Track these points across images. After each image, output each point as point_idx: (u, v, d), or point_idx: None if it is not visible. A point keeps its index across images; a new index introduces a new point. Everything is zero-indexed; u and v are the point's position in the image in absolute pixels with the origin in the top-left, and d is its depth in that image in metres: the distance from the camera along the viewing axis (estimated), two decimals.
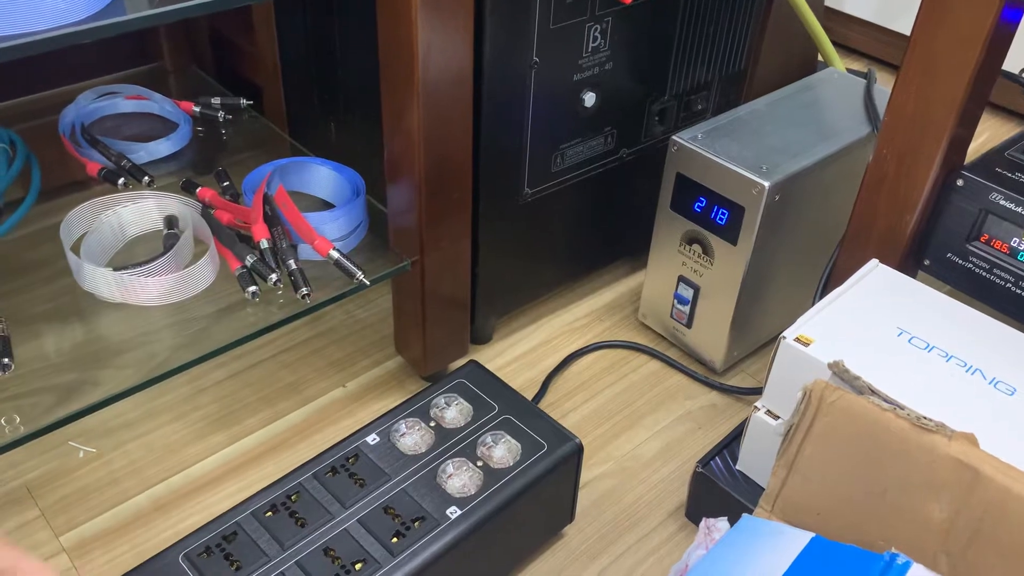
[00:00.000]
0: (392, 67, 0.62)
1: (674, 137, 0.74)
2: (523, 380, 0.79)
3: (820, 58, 1.02)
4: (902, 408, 0.48)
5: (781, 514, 0.53)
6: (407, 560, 0.52)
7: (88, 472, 0.69)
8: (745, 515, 0.50)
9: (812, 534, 0.47)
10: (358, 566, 0.52)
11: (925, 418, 0.47)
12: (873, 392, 0.50)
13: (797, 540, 0.47)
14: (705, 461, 0.65)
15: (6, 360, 0.58)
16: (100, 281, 0.64)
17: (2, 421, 0.56)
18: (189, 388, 0.77)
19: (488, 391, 0.63)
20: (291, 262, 0.66)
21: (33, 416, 0.57)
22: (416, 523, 0.54)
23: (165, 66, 0.93)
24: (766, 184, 0.69)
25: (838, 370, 0.52)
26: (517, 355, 0.82)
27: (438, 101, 0.62)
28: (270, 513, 0.55)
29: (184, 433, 0.73)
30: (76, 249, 0.66)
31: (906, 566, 0.44)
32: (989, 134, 1.20)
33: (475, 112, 0.65)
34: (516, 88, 0.68)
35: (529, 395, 0.76)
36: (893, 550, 0.45)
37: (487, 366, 0.66)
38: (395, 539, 0.53)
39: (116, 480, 0.69)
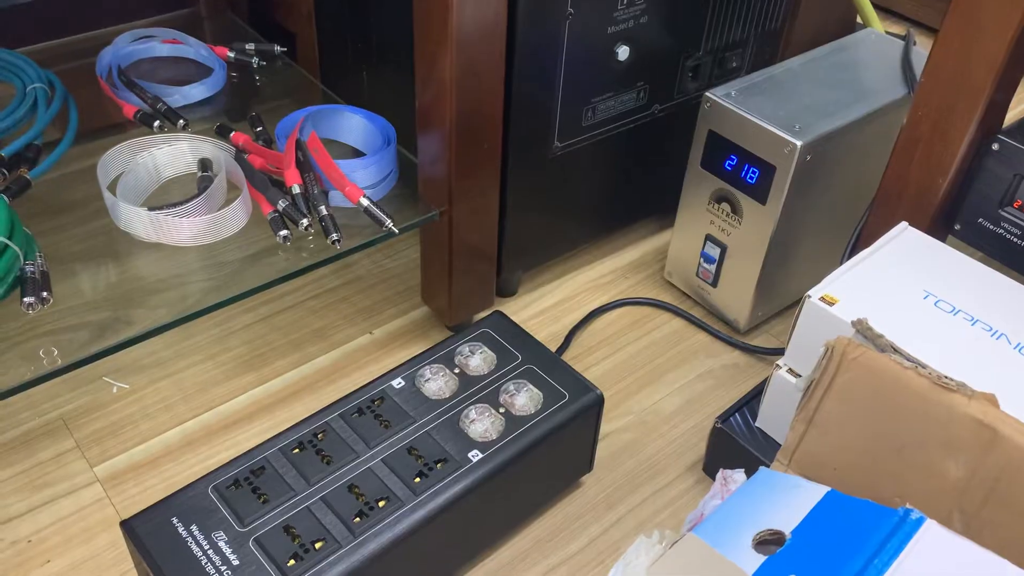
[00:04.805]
0: (426, 15, 0.62)
1: (707, 93, 0.73)
2: (547, 333, 0.80)
3: (859, 19, 1.00)
4: (924, 367, 0.49)
5: (798, 468, 0.53)
6: (429, 499, 0.54)
7: (121, 407, 0.72)
8: (762, 467, 0.51)
9: (828, 488, 0.48)
10: (381, 503, 0.53)
11: (946, 377, 0.48)
12: (895, 350, 0.50)
13: (813, 493, 0.48)
14: (725, 417, 0.66)
15: (45, 294, 0.60)
16: (135, 220, 0.65)
17: (41, 353, 0.58)
18: (219, 330, 0.78)
19: (512, 341, 0.64)
20: (322, 208, 0.66)
21: (70, 350, 0.58)
22: (438, 464, 0.56)
23: (200, 11, 0.94)
24: (798, 143, 0.68)
25: (861, 328, 0.52)
26: (542, 309, 0.83)
27: (471, 51, 0.62)
28: (297, 450, 0.56)
29: (214, 373, 0.75)
30: (112, 189, 0.68)
31: (919, 521, 0.44)
32: None
33: (507, 63, 0.65)
34: (549, 39, 0.68)
35: (552, 348, 0.77)
36: (908, 506, 0.45)
37: (512, 319, 0.66)
38: (417, 479, 0.55)
39: (148, 415, 0.71)
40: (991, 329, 0.55)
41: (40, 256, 0.63)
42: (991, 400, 0.47)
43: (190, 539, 0.51)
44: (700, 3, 0.76)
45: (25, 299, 0.59)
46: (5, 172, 0.69)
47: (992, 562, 0.42)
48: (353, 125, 0.75)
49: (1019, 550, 0.44)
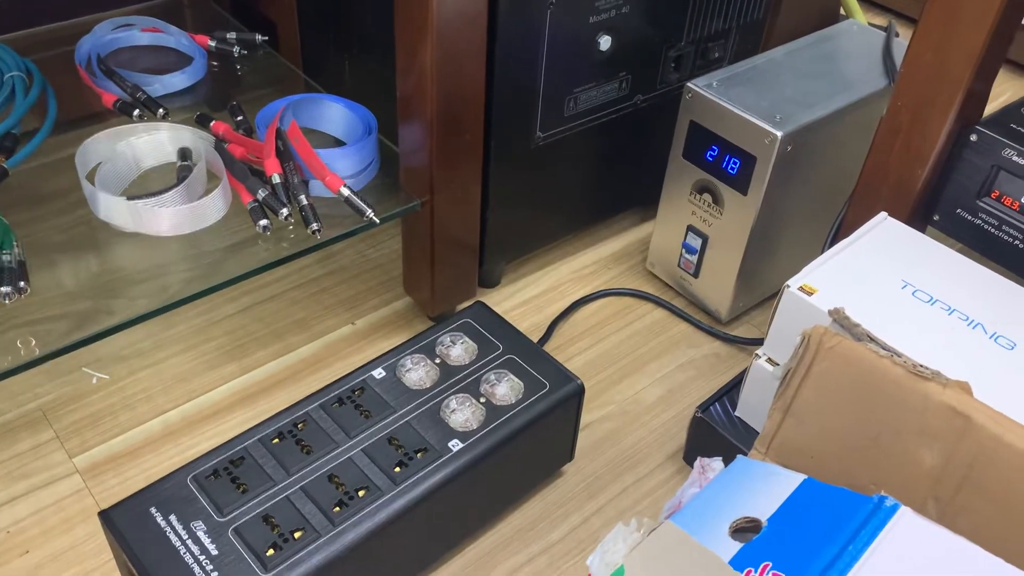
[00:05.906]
0: (406, 3, 0.61)
1: (688, 84, 0.73)
2: (529, 324, 0.80)
3: (842, 10, 1.01)
4: (899, 355, 0.49)
5: (775, 456, 0.54)
6: (409, 489, 0.54)
7: (101, 398, 0.71)
8: (739, 456, 0.51)
9: (804, 476, 0.48)
10: (361, 493, 0.53)
11: (921, 366, 0.48)
12: (872, 339, 0.51)
13: (789, 481, 0.48)
14: (705, 407, 0.66)
15: (22, 284, 0.59)
16: (114, 210, 0.65)
17: (18, 343, 0.58)
18: (200, 321, 0.78)
19: (493, 331, 0.64)
20: (302, 197, 0.66)
21: (48, 340, 0.58)
22: (419, 454, 0.56)
23: None
24: (779, 134, 0.68)
25: (838, 317, 0.52)
26: (524, 299, 0.83)
27: (452, 39, 0.62)
28: (277, 440, 0.56)
29: (195, 363, 0.74)
30: (91, 179, 0.67)
31: (894, 508, 0.45)
32: (1011, 93, 1.18)
33: (489, 52, 0.65)
34: (531, 28, 0.68)
35: (535, 338, 0.77)
36: (883, 493, 0.46)
37: (494, 309, 0.66)
38: (398, 468, 0.55)
39: (128, 406, 0.71)
40: (967, 319, 0.55)
41: (17, 245, 0.62)
42: (965, 388, 0.47)
43: (169, 529, 0.51)
44: None
45: (1, 288, 0.58)
46: None
47: (965, 548, 0.43)
48: (334, 114, 0.75)
49: (992, 537, 0.45)
